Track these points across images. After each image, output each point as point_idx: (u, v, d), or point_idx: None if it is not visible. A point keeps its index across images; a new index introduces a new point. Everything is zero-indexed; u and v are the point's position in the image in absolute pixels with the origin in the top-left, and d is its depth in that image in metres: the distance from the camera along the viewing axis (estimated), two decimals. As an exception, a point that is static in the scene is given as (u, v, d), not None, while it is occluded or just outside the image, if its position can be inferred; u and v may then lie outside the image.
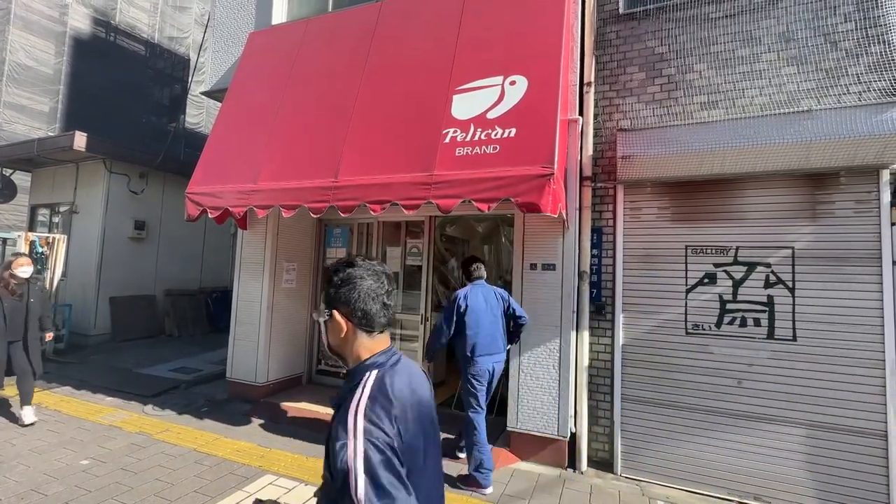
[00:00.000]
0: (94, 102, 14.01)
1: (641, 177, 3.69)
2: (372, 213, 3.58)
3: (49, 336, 4.72)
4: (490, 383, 3.55)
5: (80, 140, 7.20)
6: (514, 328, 3.71)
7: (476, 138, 3.50)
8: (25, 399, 4.30)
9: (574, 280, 3.82)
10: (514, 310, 3.63)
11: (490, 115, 3.55)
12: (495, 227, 7.27)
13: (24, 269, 4.31)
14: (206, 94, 5.90)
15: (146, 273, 8.66)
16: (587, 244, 3.90)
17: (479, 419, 3.44)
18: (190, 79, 11.58)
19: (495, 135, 3.45)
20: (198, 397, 5.27)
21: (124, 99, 14.81)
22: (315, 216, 3.83)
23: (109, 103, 14.35)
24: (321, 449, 3.95)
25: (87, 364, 6.51)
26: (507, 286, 4.14)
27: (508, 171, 3.24)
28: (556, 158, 3.16)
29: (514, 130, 3.41)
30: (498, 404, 4.77)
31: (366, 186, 3.66)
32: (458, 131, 3.59)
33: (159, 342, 8.12)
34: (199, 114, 16.12)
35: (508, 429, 3.93)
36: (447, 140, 3.58)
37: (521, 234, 4.04)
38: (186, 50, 16.73)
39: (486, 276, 3.78)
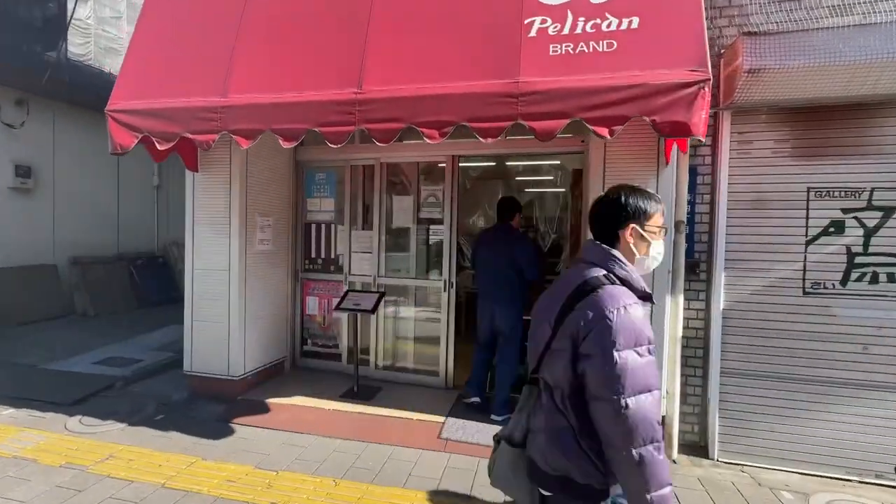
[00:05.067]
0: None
1: (764, 99, 2.88)
2: (428, 141, 2.44)
3: None
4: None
5: (-90, 43, 4.92)
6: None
7: (578, 31, 2.44)
8: None
9: (670, 231, 3.03)
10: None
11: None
12: (538, 170, 6.28)
13: None
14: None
15: (41, 236, 6.62)
16: (684, 188, 3.10)
17: None
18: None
19: (607, 26, 2.41)
20: (145, 400, 3.90)
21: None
22: (334, 146, 2.59)
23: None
24: (348, 463, 2.83)
25: (-35, 361, 4.74)
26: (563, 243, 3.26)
27: (638, 76, 2.26)
28: (708, 58, 2.23)
29: (636, 20, 2.39)
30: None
31: (413, 100, 2.48)
32: (549, 21, 2.49)
33: (70, 324, 6.31)
34: (86, 42, 12.51)
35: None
36: (533, 33, 2.49)
37: (598, 174, 3.13)
38: (62, -50, 12.85)
39: None
